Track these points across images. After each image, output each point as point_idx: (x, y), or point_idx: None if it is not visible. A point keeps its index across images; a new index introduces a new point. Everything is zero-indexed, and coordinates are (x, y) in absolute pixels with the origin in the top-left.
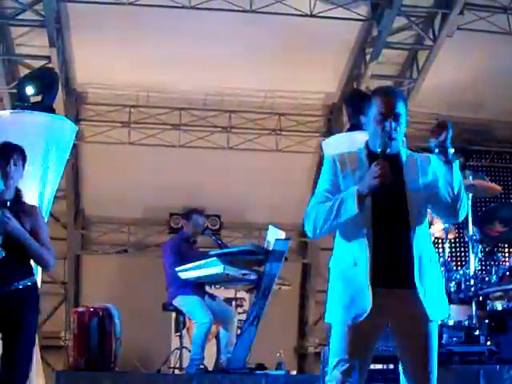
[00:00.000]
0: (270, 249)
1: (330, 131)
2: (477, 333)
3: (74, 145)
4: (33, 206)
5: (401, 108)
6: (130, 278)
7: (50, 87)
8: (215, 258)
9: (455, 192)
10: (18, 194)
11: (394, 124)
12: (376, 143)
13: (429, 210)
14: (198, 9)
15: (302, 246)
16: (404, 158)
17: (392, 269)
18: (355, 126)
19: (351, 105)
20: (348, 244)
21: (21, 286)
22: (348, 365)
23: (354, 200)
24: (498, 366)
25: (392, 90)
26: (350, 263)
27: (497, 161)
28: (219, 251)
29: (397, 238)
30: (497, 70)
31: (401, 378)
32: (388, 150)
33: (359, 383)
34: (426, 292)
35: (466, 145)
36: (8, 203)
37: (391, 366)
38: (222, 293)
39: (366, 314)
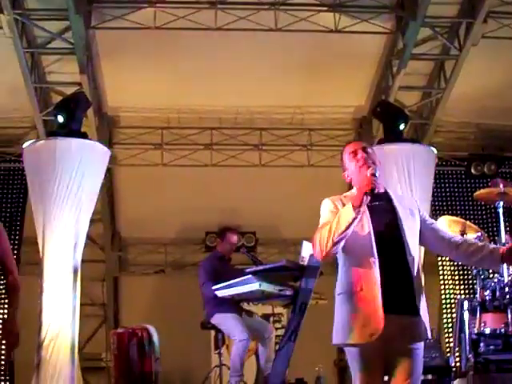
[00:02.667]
0: (305, 264)
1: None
2: None
3: (109, 168)
4: None
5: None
6: (168, 298)
7: (82, 113)
8: (251, 276)
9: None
10: None
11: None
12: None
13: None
14: (223, 30)
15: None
16: (392, 195)
17: (396, 295)
18: (387, 138)
19: (380, 117)
20: (353, 270)
21: None
22: None
23: (350, 208)
24: None
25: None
26: (356, 288)
27: None
28: (254, 268)
29: (397, 266)
30: None
31: None
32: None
33: None
34: (423, 317)
35: (498, 151)
36: None
37: None
38: (259, 309)
39: (379, 334)
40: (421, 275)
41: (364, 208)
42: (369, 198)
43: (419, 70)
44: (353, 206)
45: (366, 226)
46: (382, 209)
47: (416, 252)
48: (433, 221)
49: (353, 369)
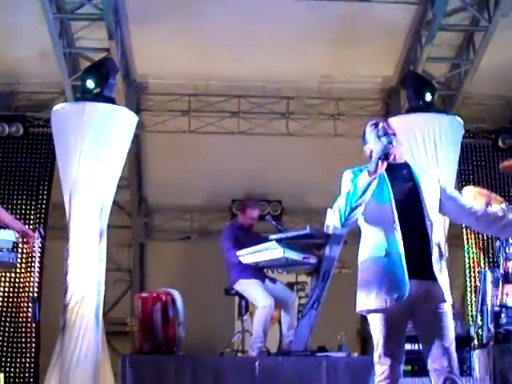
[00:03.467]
0: (330, 232)
1: (388, 114)
2: None
3: (136, 135)
4: None
5: None
6: (194, 264)
7: (107, 78)
8: (274, 242)
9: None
10: None
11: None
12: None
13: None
14: None
15: None
16: (411, 165)
17: (414, 261)
18: (414, 109)
19: (408, 87)
20: (376, 237)
21: None
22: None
23: (365, 174)
24: None
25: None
26: (380, 255)
27: None
28: (278, 235)
29: (415, 232)
30: None
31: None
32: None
33: (398, 366)
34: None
35: None
36: None
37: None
38: (283, 277)
39: (403, 299)
40: (441, 242)
41: (384, 175)
42: (385, 164)
43: (448, 41)
44: (368, 172)
45: (387, 193)
46: (402, 177)
47: (434, 219)
48: (453, 190)
49: (376, 335)
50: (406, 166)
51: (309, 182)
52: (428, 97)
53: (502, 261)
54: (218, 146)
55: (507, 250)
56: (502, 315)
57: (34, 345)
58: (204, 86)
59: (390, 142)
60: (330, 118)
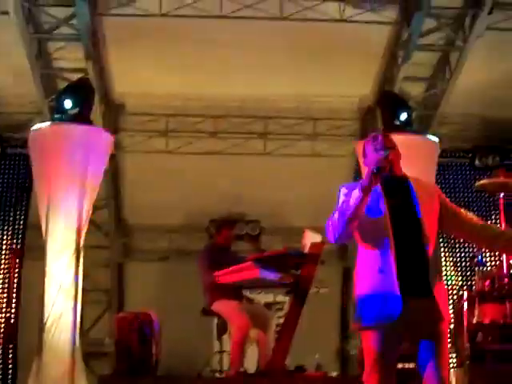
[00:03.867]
0: (306, 252)
1: (365, 134)
2: None
3: (114, 155)
4: None
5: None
6: (173, 284)
7: (86, 99)
8: (251, 262)
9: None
10: None
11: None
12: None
13: None
14: (228, 17)
15: (343, 250)
16: (410, 179)
17: (411, 278)
18: (389, 128)
19: (384, 107)
20: (370, 252)
21: None
22: None
23: (360, 188)
24: None
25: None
26: (375, 270)
27: None
28: (255, 255)
29: (412, 248)
30: None
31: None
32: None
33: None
34: (439, 299)
35: (502, 144)
36: None
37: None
38: (261, 297)
39: (396, 317)
40: (438, 258)
41: (378, 189)
42: (378, 178)
43: (424, 60)
44: (361, 186)
45: (381, 208)
46: (399, 191)
47: (433, 235)
48: (454, 206)
49: (367, 354)
50: (404, 179)
51: (287, 202)
52: (403, 116)
53: (477, 280)
54: (195, 166)
55: (482, 270)
56: (479, 334)
57: (10, 365)
58: (182, 107)
59: (387, 156)
60: (307, 138)
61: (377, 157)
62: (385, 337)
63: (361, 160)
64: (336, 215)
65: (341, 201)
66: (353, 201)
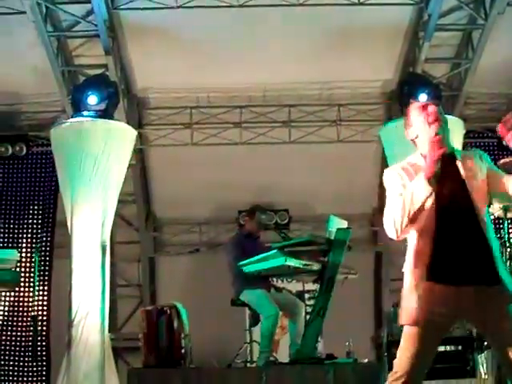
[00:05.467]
0: (332, 238)
1: (390, 118)
2: None
3: (140, 149)
4: None
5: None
6: (204, 277)
7: (113, 96)
8: (276, 251)
9: None
10: None
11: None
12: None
13: None
14: (247, 6)
15: (373, 235)
16: (459, 157)
17: (472, 265)
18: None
19: (408, 89)
20: (420, 243)
21: None
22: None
23: (423, 181)
24: None
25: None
26: (424, 262)
27: None
28: (280, 243)
29: (470, 235)
30: None
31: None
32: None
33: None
34: (507, 283)
35: None
36: None
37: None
38: (292, 286)
39: (438, 312)
40: (495, 237)
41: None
42: (439, 161)
43: (447, 40)
44: (426, 178)
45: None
46: (447, 175)
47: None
48: (497, 169)
49: (406, 347)
50: (449, 158)
51: (314, 190)
52: (423, 98)
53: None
54: (221, 157)
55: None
56: None
57: (44, 362)
58: (205, 98)
59: (438, 134)
60: (331, 125)
61: (431, 135)
62: (426, 333)
63: (407, 129)
64: (398, 211)
65: (394, 189)
66: (416, 194)
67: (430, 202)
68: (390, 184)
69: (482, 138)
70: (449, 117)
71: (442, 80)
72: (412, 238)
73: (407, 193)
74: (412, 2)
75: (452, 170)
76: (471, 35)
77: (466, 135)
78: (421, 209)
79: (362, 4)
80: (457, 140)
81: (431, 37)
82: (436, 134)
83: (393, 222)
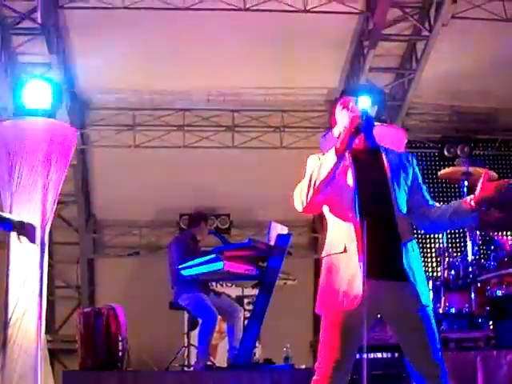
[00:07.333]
0: (272, 244)
1: (333, 126)
2: (479, 320)
3: (82, 150)
4: None
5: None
6: (143, 280)
7: (56, 96)
8: (215, 255)
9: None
10: None
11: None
12: None
13: None
14: (191, 9)
15: (314, 242)
16: (383, 152)
17: (382, 260)
18: None
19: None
20: (336, 231)
21: None
22: None
23: (332, 152)
24: (495, 352)
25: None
26: (340, 249)
27: (503, 149)
28: (220, 247)
29: (384, 227)
30: (498, 57)
31: (409, 368)
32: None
33: (347, 370)
34: (416, 282)
35: (471, 134)
36: None
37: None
38: (232, 291)
39: (357, 302)
40: (413, 236)
41: (348, 161)
42: (355, 140)
43: (391, 50)
44: (336, 150)
45: (350, 182)
46: (370, 164)
47: (406, 211)
48: (421, 184)
49: (327, 337)
50: (375, 151)
51: (257, 195)
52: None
53: (442, 269)
54: (164, 160)
55: (447, 259)
56: (443, 323)
57: None
58: (149, 100)
59: (360, 117)
60: (275, 131)
61: (349, 115)
62: (349, 322)
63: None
64: (305, 182)
65: (308, 170)
66: (324, 165)
67: (344, 180)
68: (308, 166)
69: (423, 149)
70: (389, 127)
71: (385, 90)
72: (330, 224)
73: (317, 165)
74: (357, 10)
75: (375, 160)
76: (415, 46)
77: (408, 145)
78: (328, 179)
79: (307, 11)
80: (398, 149)
81: (375, 46)
82: (354, 114)
83: (299, 192)
